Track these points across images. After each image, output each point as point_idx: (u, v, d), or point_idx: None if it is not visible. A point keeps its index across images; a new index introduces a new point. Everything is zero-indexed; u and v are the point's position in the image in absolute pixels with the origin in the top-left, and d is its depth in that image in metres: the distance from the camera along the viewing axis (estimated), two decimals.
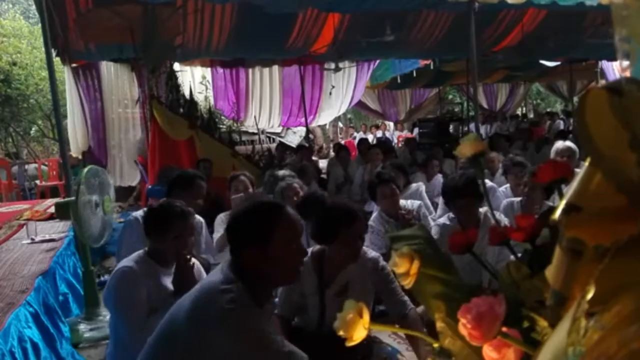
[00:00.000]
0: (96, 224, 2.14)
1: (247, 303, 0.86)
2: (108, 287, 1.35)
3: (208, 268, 1.67)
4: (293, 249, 0.93)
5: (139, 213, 1.96)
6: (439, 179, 3.37)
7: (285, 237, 0.91)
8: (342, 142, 8.07)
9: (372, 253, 1.54)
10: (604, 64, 7.38)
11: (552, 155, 2.62)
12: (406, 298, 1.48)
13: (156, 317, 1.27)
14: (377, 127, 9.89)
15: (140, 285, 1.32)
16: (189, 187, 1.92)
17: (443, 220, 1.89)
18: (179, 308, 0.91)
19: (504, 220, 1.84)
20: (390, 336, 1.68)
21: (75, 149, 5.34)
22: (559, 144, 2.64)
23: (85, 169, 2.18)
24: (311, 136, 6.93)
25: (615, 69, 7.21)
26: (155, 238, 1.40)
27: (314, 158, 4.95)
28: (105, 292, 1.38)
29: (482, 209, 1.80)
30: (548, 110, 11.72)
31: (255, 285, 0.89)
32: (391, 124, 10.10)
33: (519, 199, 2.18)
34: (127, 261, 1.37)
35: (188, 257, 1.38)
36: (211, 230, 2.26)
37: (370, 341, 1.40)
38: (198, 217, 2.04)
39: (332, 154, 6.00)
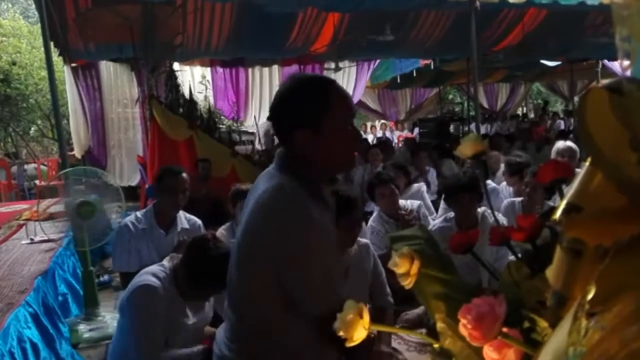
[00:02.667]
0: (82, 226, 2.10)
1: (300, 201, 0.77)
2: (127, 299, 1.26)
3: None
4: (347, 129, 0.81)
5: (130, 219, 1.93)
6: (430, 171, 3.64)
7: (339, 115, 0.79)
8: None
9: (362, 240, 1.64)
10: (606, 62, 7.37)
11: (552, 155, 2.61)
12: (390, 297, 1.52)
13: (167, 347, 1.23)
14: (378, 126, 9.89)
15: (160, 310, 1.24)
16: (169, 183, 1.87)
17: (439, 223, 1.89)
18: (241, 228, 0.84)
19: (503, 221, 1.85)
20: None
21: (79, 148, 5.34)
22: (560, 144, 2.64)
23: (64, 171, 2.16)
24: None
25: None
26: (185, 275, 1.27)
27: None
28: (123, 302, 1.29)
29: (480, 209, 1.81)
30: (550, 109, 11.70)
31: (308, 179, 0.80)
32: (382, 122, 10.04)
33: (520, 199, 2.18)
34: (152, 276, 1.26)
35: None
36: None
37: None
38: (194, 218, 2.01)
39: None
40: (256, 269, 0.82)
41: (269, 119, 0.85)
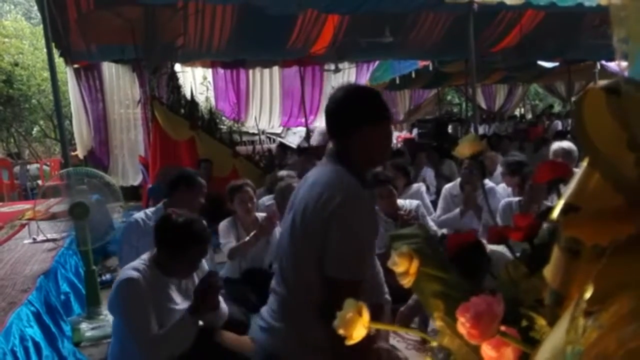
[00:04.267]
0: (83, 226, 2.10)
1: (359, 189, 0.92)
2: (113, 296, 1.31)
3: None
4: (390, 130, 1.03)
5: (140, 215, 1.94)
6: (427, 171, 3.79)
7: (387, 117, 0.99)
8: None
9: None
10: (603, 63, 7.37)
11: (550, 155, 2.61)
12: (387, 295, 1.54)
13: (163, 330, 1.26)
14: None
15: (146, 300, 1.28)
16: (192, 186, 1.91)
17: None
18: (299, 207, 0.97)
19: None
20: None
21: (82, 149, 5.36)
22: (555, 145, 2.63)
23: (63, 170, 2.17)
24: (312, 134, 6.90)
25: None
26: (166, 254, 1.35)
27: None
28: (110, 300, 1.34)
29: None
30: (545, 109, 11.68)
31: (358, 169, 0.96)
32: None
33: (517, 199, 2.18)
34: (132, 270, 1.32)
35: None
36: (211, 231, 2.25)
37: None
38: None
39: None
40: (307, 238, 0.94)
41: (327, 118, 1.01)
